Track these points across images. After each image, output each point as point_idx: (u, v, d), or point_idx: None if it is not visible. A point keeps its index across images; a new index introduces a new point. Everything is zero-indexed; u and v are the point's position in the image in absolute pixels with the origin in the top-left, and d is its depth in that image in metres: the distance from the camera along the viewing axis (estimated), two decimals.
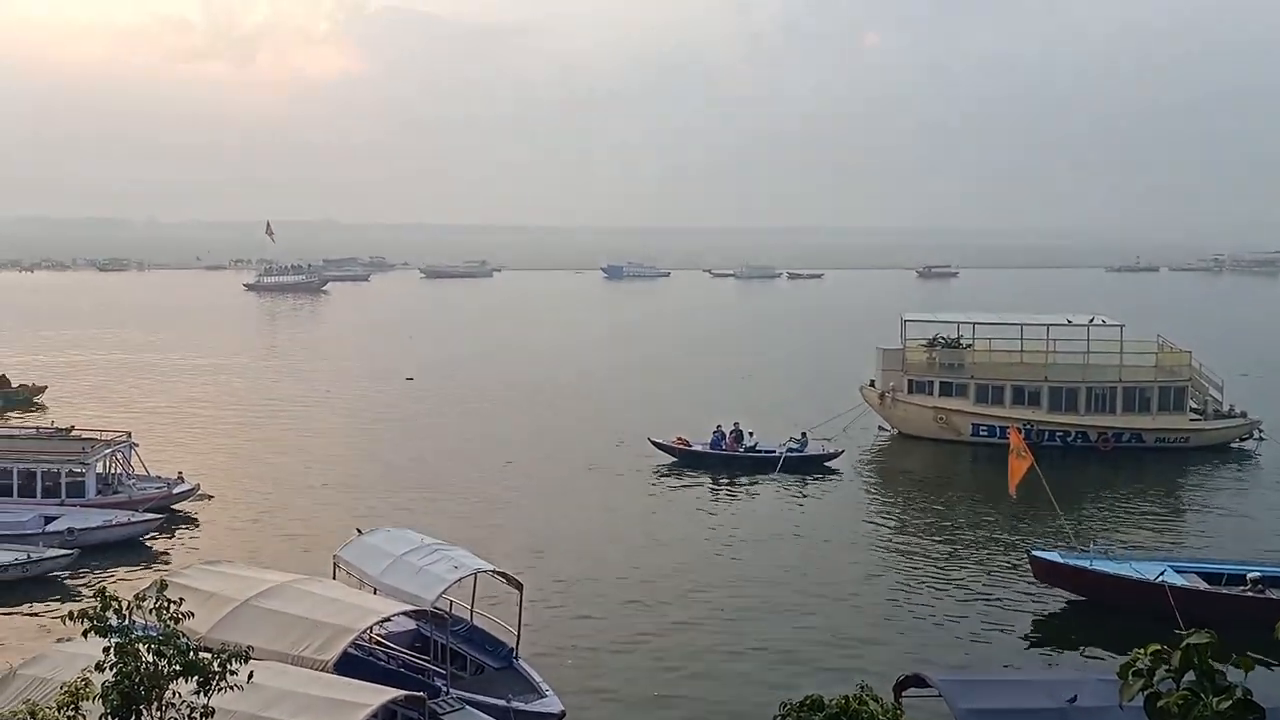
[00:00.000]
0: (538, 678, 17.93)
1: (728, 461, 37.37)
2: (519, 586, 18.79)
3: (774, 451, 37.15)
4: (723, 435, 38.05)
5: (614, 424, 44.16)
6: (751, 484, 35.54)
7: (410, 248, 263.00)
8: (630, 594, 24.38)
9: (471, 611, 19.43)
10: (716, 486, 35.55)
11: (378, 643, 18.30)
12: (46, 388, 51.60)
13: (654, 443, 38.31)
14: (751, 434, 38.32)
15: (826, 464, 37.53)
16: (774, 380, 59.80)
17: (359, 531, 21.41)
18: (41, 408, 48.65)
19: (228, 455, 39.21)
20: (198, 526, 30.21)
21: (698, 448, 37.96)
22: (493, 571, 19.17)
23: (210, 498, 32.33)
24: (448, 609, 18.68)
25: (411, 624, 18.89)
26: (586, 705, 18.48)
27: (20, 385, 50.73)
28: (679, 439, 38.35)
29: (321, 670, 14.77)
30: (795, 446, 37.47)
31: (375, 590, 18.43)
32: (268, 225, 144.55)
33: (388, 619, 17.64)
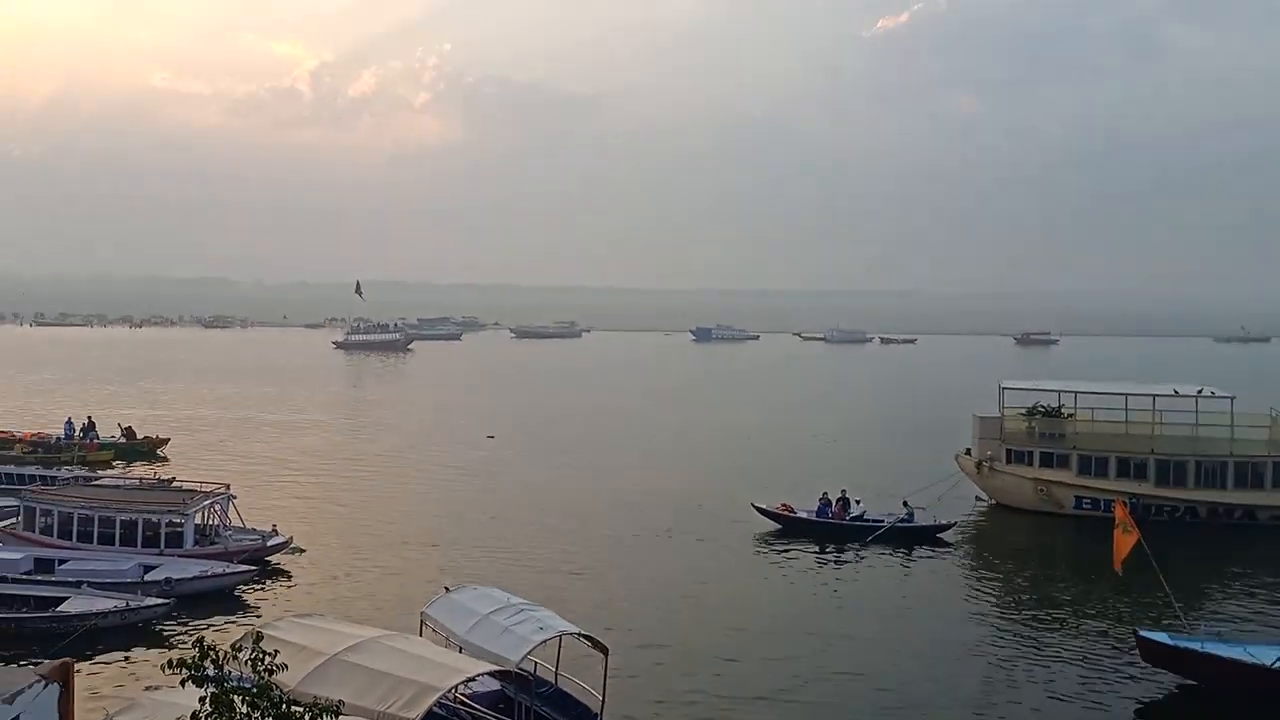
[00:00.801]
0: None
1: (833, 530, 36.16)
2: (604, 650, 18.50)
3: (882, 521, 35.96)
4: (829, 503, 36.96)
5: (702, 487, 43.81)
6: (858, 554, 34.15)
7: (502, 308, 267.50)
8: (721, 663, 23.68)
9: (556, 674, 19.18)
10: (821, 556, 34.19)
11: (462, 702, 18.14)
12: (169, 440, 53.43)
13: (758, 508, 37.48)
14: (859, 502, 37.23)
15: (938, 535, 36.20)
16: (864, 446, 58.91)
17: (446, 589, 21.40)
18: (164, 459, 50.44)
19: (318, 509, 39.85)
20: (290, 579, 30.61)
21: (802, 515, 36.99)
22: (578, 634, 18.93)
23: (302, 551, 32.81)
24: (532, 670, 18.48)
25: (496, 684, 18.71)
26: None
27: (145, 437, 52.77)
28: (783, 505, 37.46)
29: None
30: (904, 516, 36.23)
31: (461, 648, 18.33)
32: (357, 285, 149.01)
33: (473, 678, 17.49)
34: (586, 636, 18.93)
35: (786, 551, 34.59)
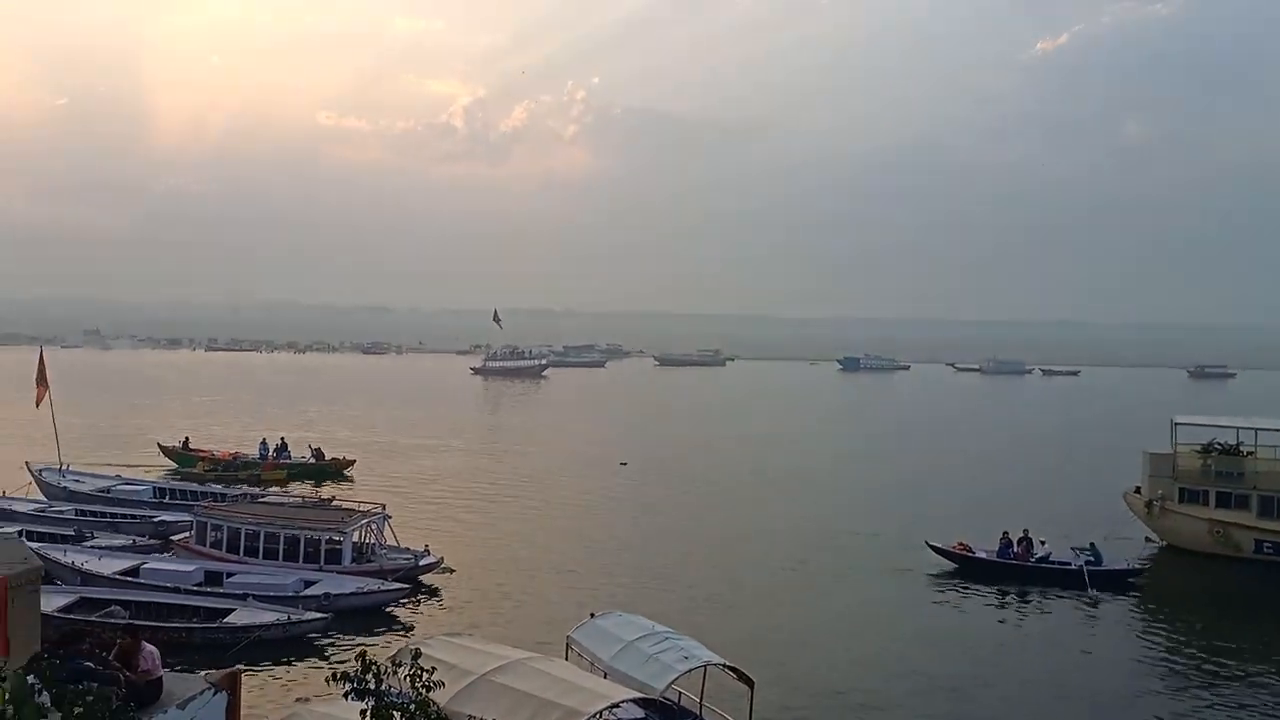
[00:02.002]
0: None
1: (1015, 572, 34.06)
2: (750, 683, 18.15)
3: (1069, 564, 33.72)
4: (1010, 543, 34.87)
5: (856, 522, 42.77)
6: (1042, 598, 32.10)
7: (646, 336, 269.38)
8: (880, 705, 22.75)
9: (700, 704, 18.92)
10: (1001, 599, 32.21)
11: None
12: (355, 461, 55.36)
13: (933, 547, 35.78)
14: (1044, 543, 35.07)
15: (1129, 580, 33.81)
16: (1024, 482, 56.47)
17: (592, 615, 21.44)
18: (350, 480, 52.39)
19: (464, 531, 40.63)
20: (440, 598, 31.31)
21: (981, 555, 35.06)
22: (723, 665, 18.64)
23: (452, 571, 33.54)
24: (676, 699, 18.29)
25: (640, 712, 18.57)
26: None
27: (332, 458, 54.87)
28: (960, 545, 35.61)
29: None
30: (1091, 558, 33.81)
31: (605, 674, 18.30)
32: (495, 313, 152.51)
33: (617, 704, 17.41)
34: (732, 668, 18.62)
35: (963, 593, 32.75)
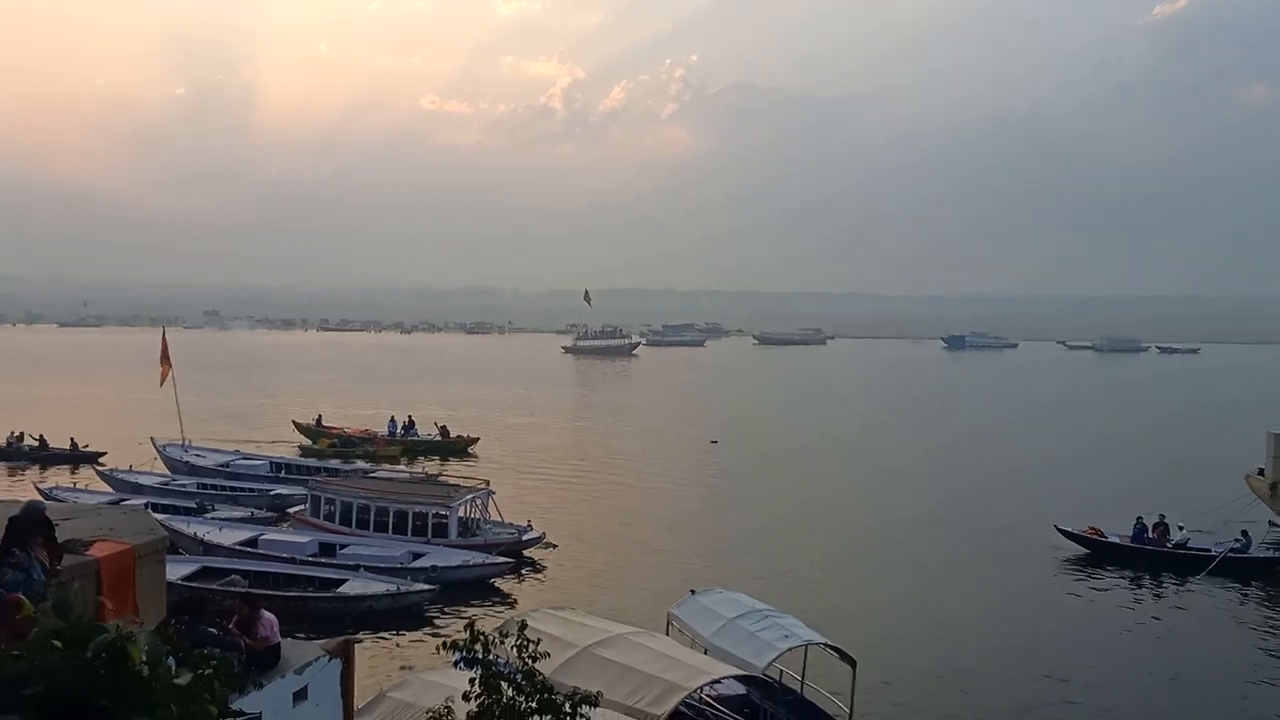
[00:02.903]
0: None
1: (1151, 558, 32.62)
2: (853, 663, 17.97)
3: (1210, 550, 32.12)
4: (1145, 528, 33.32)
5: (968, 504, 41.75)
6: (1179, 586, 30.59)
7: (746, 315, 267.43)
8: (988, 691, 22.16)
9: (802, 683, 18.84)
10: (1135, 586, 31.03)
11: (707, 703, 18.15)
12: (479, 439, 56.19)
13: (1062, 531, 34.36)
14: (1182, 527, 33.51)
15: (1278, 569, 32.00)
16: (1139, 463, 54.44)
17: (692, 591, 21.50)
18: (474, 457, 53.38)
19: (565, 507, 41.06)
20: (543, 573, 31.78)
21: (1114, 539, 33.66)
22: (825, 644, 18.50)
23: (554, 546, 34.01)
24: (777, 677, 18.23)
25: (741, 689, 18.60)
26: None
27: (457, 436, 55.89)
28: (1091, 529, 34.19)
29: None
30: (1237, 546, 32.01)
31: (706, 650, 18.35)
32: (585, 293, 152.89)
33: (718, 680, 17.47)
34: (834, 647, 18.46)
35: (1093, 579, 31.57)
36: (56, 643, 2.80)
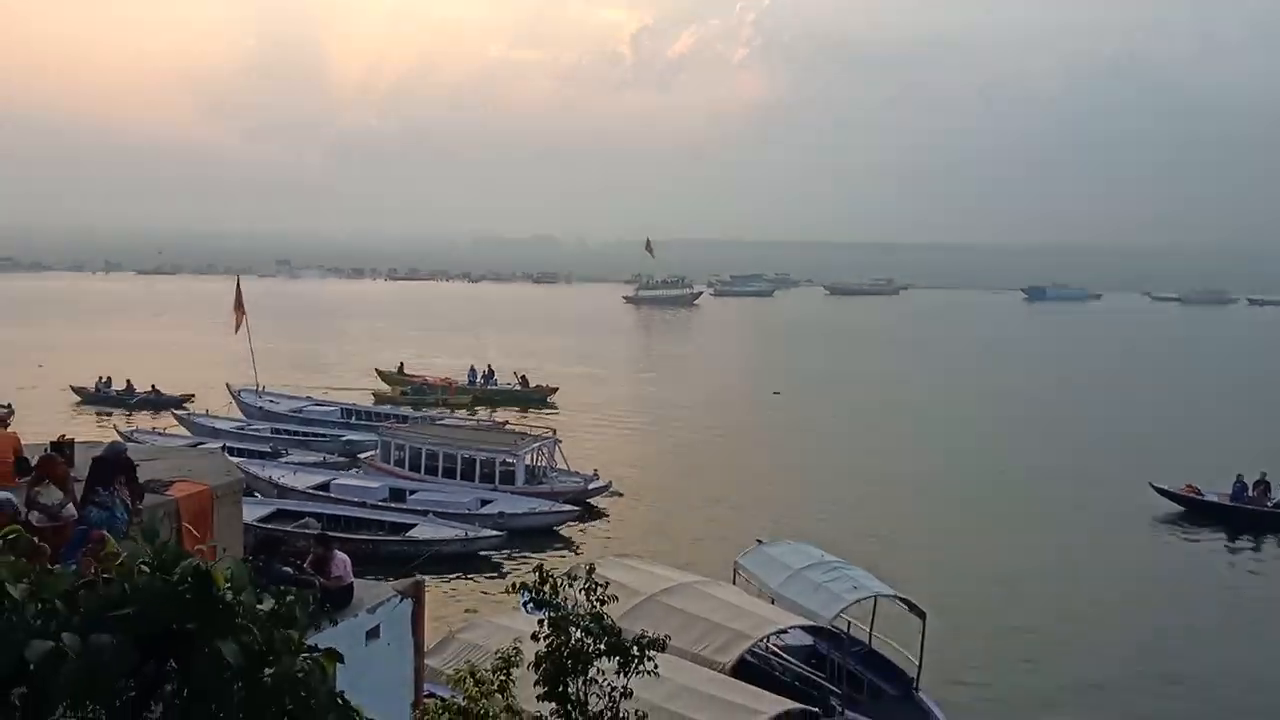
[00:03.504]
0: (939, 712, 16.88)
1: (1249, 517, 31.60)
2: (923, 615, 17.79)
3: None
4: (1245, 486, 32.14)
5: (1052, 457, 40.83)
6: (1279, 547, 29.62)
7: (816, 265, 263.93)
8: (1059, 646, 21.71)
9: (870, 635, 18.73)
10: (1232, 546, 30.17)
11: (774, 652, 18.17)
12: (558, 389, 56.09)
13: (1157, 489, 33.26)
14: None
15: None
16: (1227, 420, 52.52)
17: (760, 541, 21.47)
18: (553, 407, 53.55)
19: (630, 456, 41.23)
20: (608, 521, 32.02)
21: (1212, 498, 32.59)
22: (895, 596, 18.36)
23: (620, 495, 34.22)
24: (846, 629, 18.16)
25: (808, 639, 18.57)
26: None
27: (537, 385, 55.91)
28: (1188, 486, 33.15)
29: (719, 672, 14.88)
30: None
31: (773, 601, 18.33)
32: (647, 242, 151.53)
33: (785, 630, 17.46)
34: (904, 599, 18.31)
35: (1188, 538, 30.80)
36: (145, 567, 2.80)
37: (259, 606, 2.97)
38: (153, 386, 50.83)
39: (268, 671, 2.89)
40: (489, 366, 57.88)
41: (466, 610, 22.60)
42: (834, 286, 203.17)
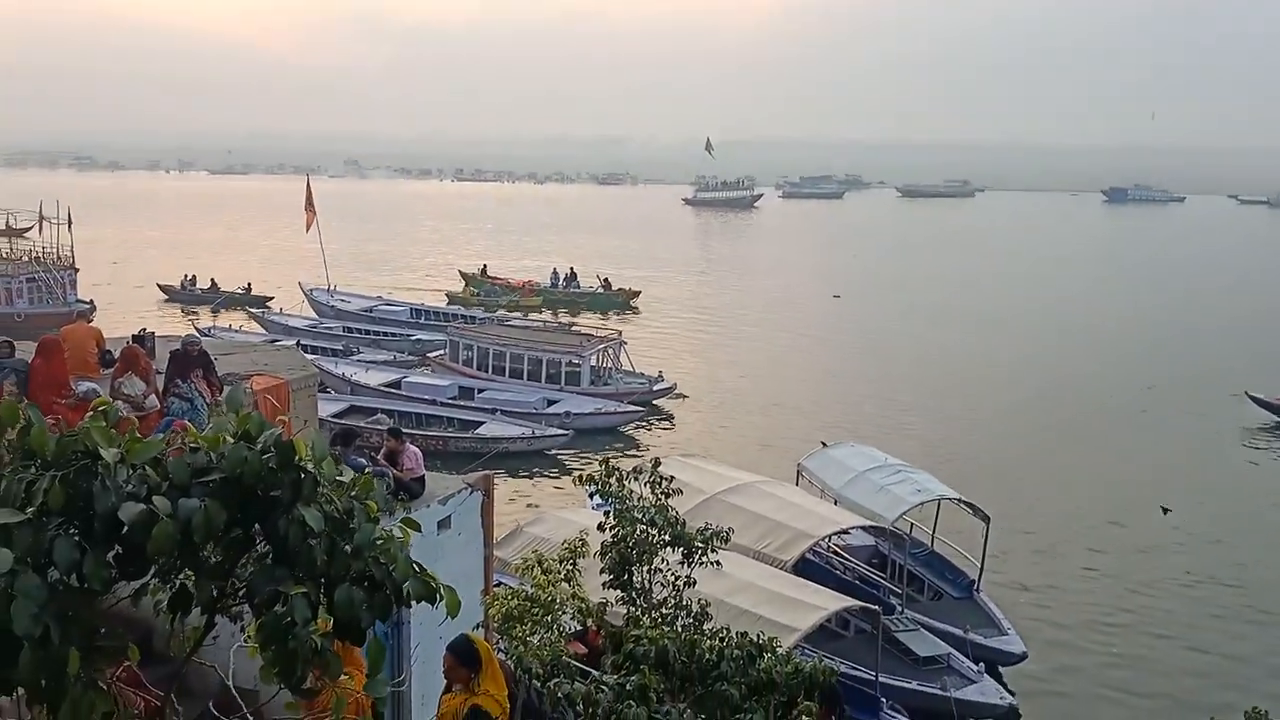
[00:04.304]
0: (999, 614, 16.97)
1: None
2: (986, 519, 17.79)
3: None
4: None
5: (1136, 366, 39.74)
6: None
7: (889, 166, 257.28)
8: (1126, 557, 21.40)
9: (933, 537, 18.80)
10: None
11: (835, 552, 18.36)
12: (640, 292, 55.56)
13: (1254, 399, 32.36)
14: None
15: None
16: None
17: (824, 444, 21.52)
18: (635, 310, 53.26)
19: (692, 359, 41.38)
20: (672, 422, 32.28)
21: None
22: (958, 500, 18.35)
23: (684, 397, 34.42)
24: (908, 531, 18.23)
25: (870, 540, 18.71)
26: (1045, 653, 17.13)
27: (619, 289, 55.41)
28: None
29: (781, 569, 15.09)
30: None
31: (835, 502, 18.44)
32: (707, 141, 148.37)
33: (846, 531, 17.60)
34: (968, 503, 18.31)
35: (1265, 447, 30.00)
36: (230, 437, 2.90)
37: (339, 478, 3.07)
38: (246, 285, 51.50)
39: (348, 538, 3.00)
40: (571, 269, 57.37)
41: (529, 505, 23.11)
42: (906, 188, 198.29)
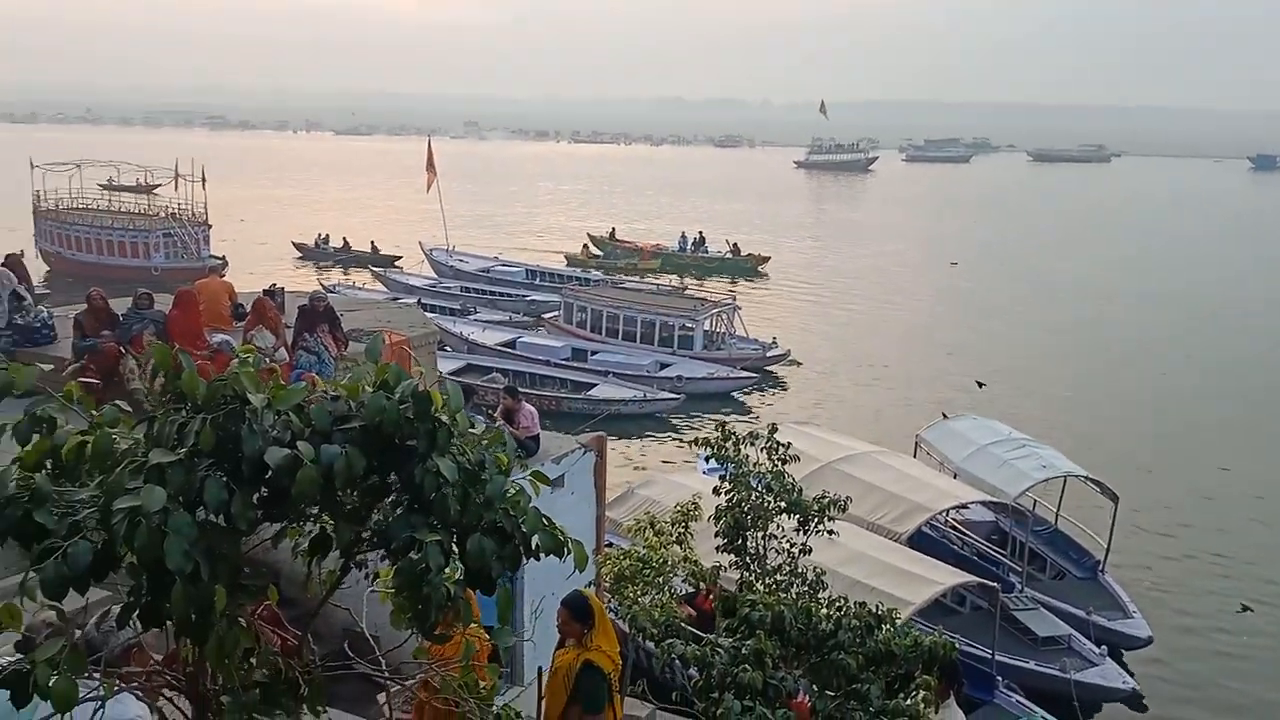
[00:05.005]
0: (1125, 596, 16.35)
1: None
2: (1114, 499, 17.10)
3: None
4: None
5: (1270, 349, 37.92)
6: None
7: (1020, 130, 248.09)
8: (1259, 548, 20.25)
9: (1056, 515, 18.18)
10: None
11: (953, 526, 17.95)
12: (770, 258, 54.74)
13: None
14: None
15: None
16: None
17: (944, 415, 21.02)
18: (764, 276, 52.59)
19: (807, 325, 40.79)
20: (785, 389, 31.95)
21: None
22: (1085, 478, 17.67)
23: (798, 364, 34.02)
24: (1030, 508, 17.68)
25: (990, 516, 18.22)
26: (1171, 638, 16.45)
27: (749, 254, 54.55)
28: None
29: (896, 541, 14.83)
30: None
31: (955, 475, 18.00)
32: (821, 104, 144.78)
33: (965, 505, 17.16)
34: (1095, 481, 17.63)
35: None
36: (368, 386, 2.94)
37: (471, 430, 3.10)
38: (372, 245, 52.85)
39: (480, 489, 3.01)
40: (700, 234, 56.57)
41: (636, 467, 23.21)
42: (1038, 153, 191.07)
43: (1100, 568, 17.02)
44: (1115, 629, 15.46)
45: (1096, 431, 27.25)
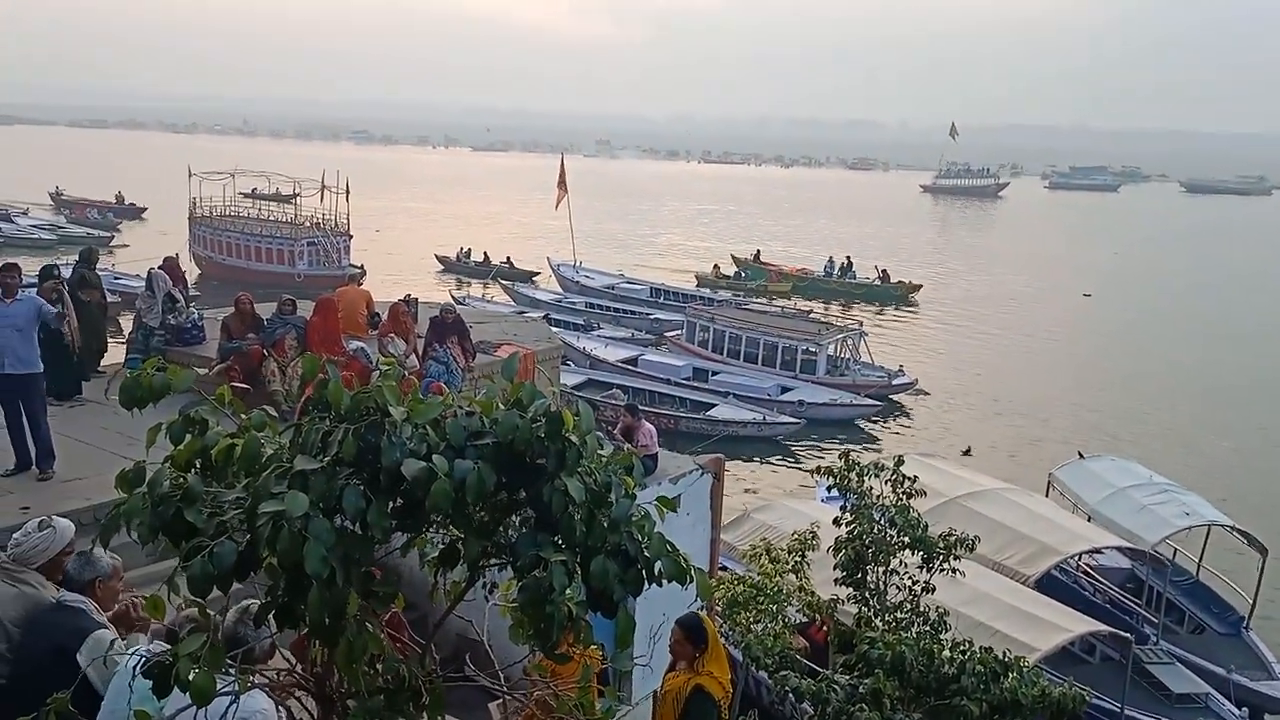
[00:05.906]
0: (1270, 656, 15.36)
1: None
2: (1263, 551, 16.13)
3: None
4: None
5: None
6: None
7: (1173, 158, 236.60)
8: None
9: (1199, 566, 17.23)
10: None
11: (1084, 572, 17.20)
12: (922, 286, 53.17)
13: None
14: None
15: None
16: None
17: (1080, 455, 20.21)
18: (914, 305, 51.12)
19: (935, 354, 39.82)
20: (911, 419, 31.24)
21: None
22: (1232, 528, 16.72)
23: (926, 394, 33.23)
24: (1170, 556, 16.81)
25: (1125, 562, 17.39)
26: None
27: (898, 281, 53.17)
28: None
29: (1023, 584, 14.30)
30: None
31: (1089, 518, 17.28)
32: (952, 126, 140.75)
33: (1099, 550, 16.44)
34: (1243, 531, 16.65)
35: None
36: (502, 403, 2.99)
37: (600, 452, 3.11)
38: (506, 259, 53.98)
39: (606, 511, 3.05)
40: (847, 258, 54.97)
41: (747, 490, 22.96)
42: (1191, 183, 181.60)
43: (1244, 624, 16.06)
44: (1259, 689, 14.56)
45: (1246, 481, 25.81)
